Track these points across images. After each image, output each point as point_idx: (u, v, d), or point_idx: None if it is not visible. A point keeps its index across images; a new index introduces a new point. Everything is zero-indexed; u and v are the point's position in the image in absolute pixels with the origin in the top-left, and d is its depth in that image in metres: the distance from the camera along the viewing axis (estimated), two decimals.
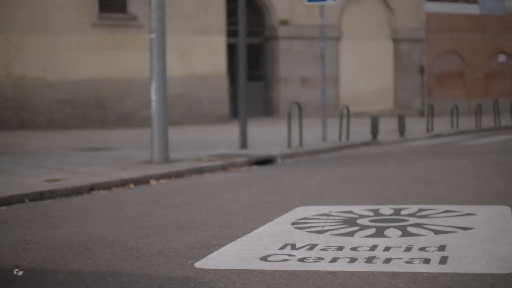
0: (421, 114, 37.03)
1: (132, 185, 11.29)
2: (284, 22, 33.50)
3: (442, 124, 26.78)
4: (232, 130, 24.11)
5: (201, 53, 28.84)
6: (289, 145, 16.93)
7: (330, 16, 32.42)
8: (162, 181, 11.89)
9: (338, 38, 34.71)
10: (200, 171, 12.99)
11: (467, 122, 28.81)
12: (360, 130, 22.29)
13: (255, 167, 14.14)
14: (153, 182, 11.71)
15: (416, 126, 26.14)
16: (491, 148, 17.56)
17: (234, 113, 32.34)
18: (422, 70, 37.36)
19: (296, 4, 33.53)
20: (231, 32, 32.00)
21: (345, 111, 19.87)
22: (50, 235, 7.08)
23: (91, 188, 10.64)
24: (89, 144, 18.50)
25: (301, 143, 17.38)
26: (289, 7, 33.51)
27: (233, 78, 32.24)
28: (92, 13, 26.57)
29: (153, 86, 13.29)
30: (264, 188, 10.56)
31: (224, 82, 29.72)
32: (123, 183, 11.21)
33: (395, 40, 36.66)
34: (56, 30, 26.10)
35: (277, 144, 17.88)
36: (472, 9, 40.26)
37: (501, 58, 41.52)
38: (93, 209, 8.85)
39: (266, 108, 33.10)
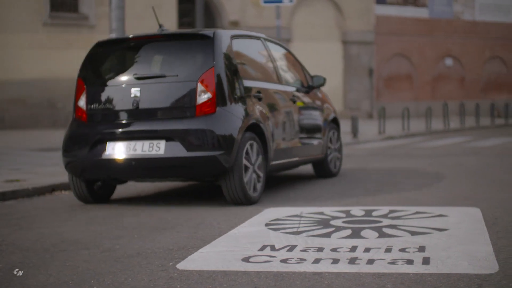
0: (370, 116, 37.35)
1: None
2: (235, 24, 33.53)
3: (392, 127, 27.02)
4: None
5: None
6: None
7: (281, 18, 32.55)
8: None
9: (288, 40, 34.82)
10: None
11: (416, 125, 29.13)
12: None
13: None
14: None
15: (366, 128, 26.34)
16: (446, 150, 17.77)
17: None
18: (371, 72, 37.70)
19: (246, 6, 33.59)
20: None
21: None
22: (21, 237, 6.96)
23: (52, 189, 10.50)
24: (43, 144, 18.30)
25: None
26: (239, 9, 33.55)
27: None
28: (43, 12, 26.28)
29: None
30: None
31: None
32: None
33: (344, 43, 36.94)
34: (7, 29, 25.77)
35: None
36: (421, 13, 40.76)
37: (449, 61, 42.11)
38: (59, 210, 8.74)
39: None
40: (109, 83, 9.10)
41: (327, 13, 36.37)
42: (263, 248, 6.14)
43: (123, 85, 8.93)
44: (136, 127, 8.74)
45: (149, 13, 28.70)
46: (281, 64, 10.86)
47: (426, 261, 5.52)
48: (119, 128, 8.81)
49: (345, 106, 36.96)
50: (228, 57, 8.95)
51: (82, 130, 9.04)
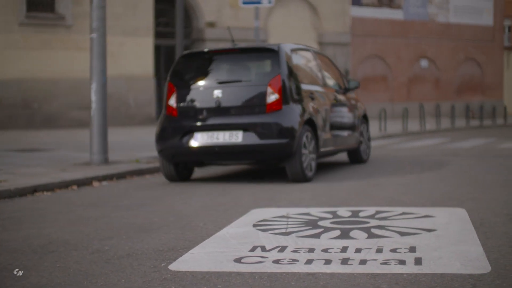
0: None
1: (75, 187, 11.10)
2: (211, 25, 33.47)
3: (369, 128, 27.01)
4: None
5: (129, 54, 28.61)
6: None
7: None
8: (104, 182, 11.73)
9: (264, 41, 34.79)
10: (140, 172, 12.86)
11: (393, 126, 29.22)
12: None
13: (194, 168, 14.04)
14: (95, 183, 11.53)
15: None
16: (424, 151, 17.84)
17: (159, 115, 32.15)
18: (347, 73, 37.77)
19: (223, 7, 33.53)
20: (158, 33, 31.83)
21: None
22: (7, 238, 6.89)
23: (34, 190, 10.41)
24: (20, 145, 18.17)
25: None
26: (216, 10, 33.48)
27: (159, 80, 32.10)
28: (19, 12, 26.10)
29: (93, 86, 13.09)
30: (212, 190, 10.51)
31: (151, 84, 29.53)
32: (66, 185, 11.01)
33: (320, 44, 36.98)
34: None
35: None
36: (396, 15, 40.89)
37: (424, 63, 42.28)
38: (44, 211, 8.66)
39: None
40: (195, 86, 11.50)
41: (303, 14, 36.39)
42: (253, 249, 6.12)
43: (207, 88, 11.37)
44: (218, 120, 11.17)
45: (127, 13, 28.62)
46: (325, 70, 13.28)
47: (418, 261, 5.53)
48: (205, 121, 11.24)
49: None
50: (289, 66, 11.36)
51: (173, 123, 11.45)
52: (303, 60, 12.47)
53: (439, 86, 43.19)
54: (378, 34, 40.06)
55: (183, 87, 11.51)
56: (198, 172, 13.35)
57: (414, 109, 36.76)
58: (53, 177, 11.29)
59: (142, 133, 24.41)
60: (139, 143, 19.17)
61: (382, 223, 7.28)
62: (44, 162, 13.83)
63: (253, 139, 10.96)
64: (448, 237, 6.46)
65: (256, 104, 11.08)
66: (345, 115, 13.44)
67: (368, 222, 7.33)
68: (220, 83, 11.34)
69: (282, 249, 6.08)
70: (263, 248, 6.12)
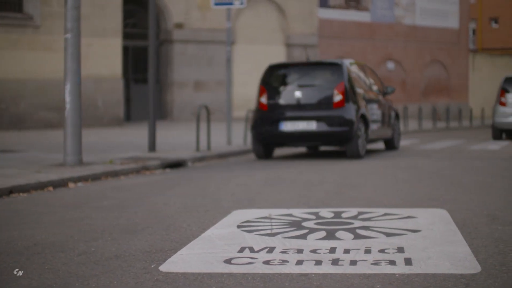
0: None
1: (51, 188, 10.99)
2: (179, 26, 33.39)
3: None
4: (131, 133, 23.89)
5: (97, 55, 28.40)
6: (198, 149, 16.84)
7: (225, 20, 32.47)
8: (79, 184, 11.64)
9: (232, 43, 34.73)
10: (115, 174, 12.78)
11: None
12: None
13: (168, 170, 14.02)
14: (71, 184, 11.45)
15: None
16: (396, 152, 17.93)
17: (128, 116, 32.03)
18: None
19: (191, 8, 33.45)
20: (126, 34, 31.68)
21: (249, 115, 19.91)
22: None
23: (10, 191, 10.28)
24: None
25: (209, 147, 17.32)
26: (184, 11, 33.39)
27: (127, 81, 31.93)
28: None
29: (67, 87, 12.98)
30: (190, 192, 10.48)
31: (119, 85, 29.35)
32: (42, 186, 10.90)
33: (288, 45, 37.01)
34: None
35: (183, 147, 17.80)
36: (363, 17, 41.05)
37: (390, 65, 42.48)
38: (24, 212, 8.56)
39: (159, 112, 32.82)
40: (280, 88, 16.17)
41: (270, 16, 36.41)
42: (242, 250, 6.10)
43: (290, 90, 16.03)
44: (298, 113, 15.77)
45: (95, 13, 28.41)
46: (369, 77, 17.63)
47: (408, 261, 5.55)
48: (288, 114, 15.80)
49: None
50: (349, 75, 15.81)
51: (264, 115, 15.98)
52: (357, 71, 16.72)
53: (405, 88, 43.45)
54: (345, 36, 40.21)
55: (271, 88, 16.03)
56: (173, 173, 13.32)
57: None
58: (28, 178, 11.17)
59: (111, 134, 24.27)
60: (110, 144, 19.07)
61: (366, 224, 7.31)
62: (17, 163, 13.71)
63: (323, 127, 15.46)
64: (434, 238, 6.50)
65: (325, 102, 15.58)
66: (384, 113, 17.64)
67: (352, 223, 7.35)
68: (300, 86, 15.87)
69: (271, 250, 6.07)
70: (251, 249, 6.11)
